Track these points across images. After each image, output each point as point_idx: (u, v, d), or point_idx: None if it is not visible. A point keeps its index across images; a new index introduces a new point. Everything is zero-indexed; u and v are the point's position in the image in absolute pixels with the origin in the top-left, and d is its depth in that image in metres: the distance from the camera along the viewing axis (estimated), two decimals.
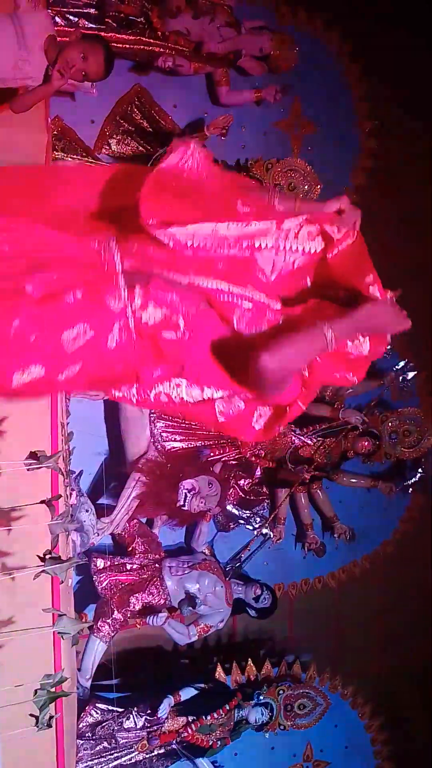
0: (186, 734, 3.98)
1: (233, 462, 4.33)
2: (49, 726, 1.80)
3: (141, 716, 3.92)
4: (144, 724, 3.91)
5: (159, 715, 3.94)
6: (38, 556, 1.80)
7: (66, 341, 1.54)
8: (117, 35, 3.85)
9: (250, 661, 4.45)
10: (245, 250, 1.67)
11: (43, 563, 1.79)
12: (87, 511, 3.66)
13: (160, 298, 1.62)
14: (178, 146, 1.68)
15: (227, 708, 4.09)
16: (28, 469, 1.86)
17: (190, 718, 4.00)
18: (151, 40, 4.00)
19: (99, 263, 1.62)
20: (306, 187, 4.52)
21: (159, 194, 1.63)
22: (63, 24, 3.71)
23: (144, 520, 4.22)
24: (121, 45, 3.85)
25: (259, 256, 1.70)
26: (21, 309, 1.51)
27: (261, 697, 4.29)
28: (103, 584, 3.91)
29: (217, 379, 1.71)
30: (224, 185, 1.72)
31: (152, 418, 4.02)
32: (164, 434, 4.06)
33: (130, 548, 4.07)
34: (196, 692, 4.10)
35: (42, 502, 1.89)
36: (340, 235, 1.68)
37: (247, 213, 1.67)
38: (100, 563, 3.95)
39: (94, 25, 3.83)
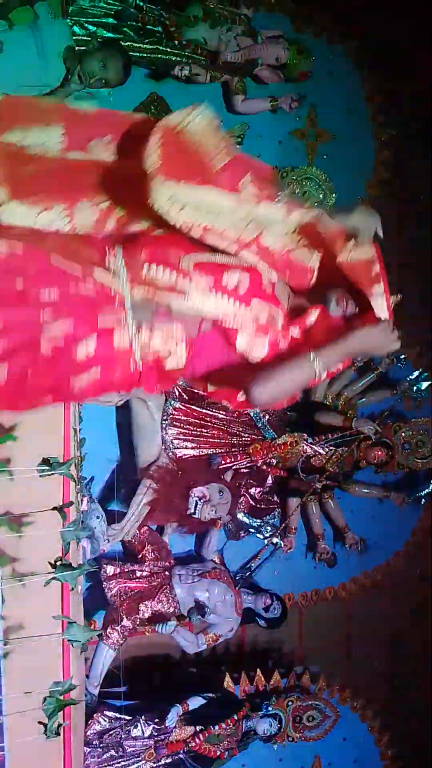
0: (194, 744, 3.95)
1: (244, 470, 4.31)
2: (57, 734, 1.80)
3: (149, 725, 3.89)
4: (152, 732, 3.88)
5: (167, 724, 3.91)
6: (49, 563, 1.80)
7: (76, 381, 1.61)
8: (134, 44, 3.89)
9: (258, 672, 4.41)
10: (254, 242, 1.65)
11: (54, 570, 1.79)
12: (98, 517, 3.65)
13: (165, 330, 1.66)
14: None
15: (235, 718, 4.06)
16: (40, 476, 1.87)
17: (198, 728, 3.97)
18: (168, 49, 4.03)
19: (108, 298, 1.63)
20: (321, 195, 4.53)
21: (168, 151, 1.60)
22: (82, 33, 3.75)
23: (154, 527, 4.21)
24: (138, 54, 3.88)
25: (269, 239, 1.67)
26: (37, 356, 1.56)
27: (269, 708, 4.25)
28: (113, 591, 3.89)
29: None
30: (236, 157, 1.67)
31: (164, 425, 4.02)
32: (175, 441, 4.05)
33: (140, 555, 4.05)
34: (204, 701, 4.07)
35: (54, 508, 1.89)
36: (354, 247, 1.66)
37: (257, 194, 1.63)
38: (110, 570, 3.93)
39: (112, 35, 3.86)
